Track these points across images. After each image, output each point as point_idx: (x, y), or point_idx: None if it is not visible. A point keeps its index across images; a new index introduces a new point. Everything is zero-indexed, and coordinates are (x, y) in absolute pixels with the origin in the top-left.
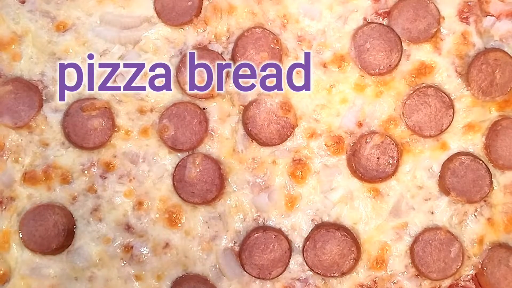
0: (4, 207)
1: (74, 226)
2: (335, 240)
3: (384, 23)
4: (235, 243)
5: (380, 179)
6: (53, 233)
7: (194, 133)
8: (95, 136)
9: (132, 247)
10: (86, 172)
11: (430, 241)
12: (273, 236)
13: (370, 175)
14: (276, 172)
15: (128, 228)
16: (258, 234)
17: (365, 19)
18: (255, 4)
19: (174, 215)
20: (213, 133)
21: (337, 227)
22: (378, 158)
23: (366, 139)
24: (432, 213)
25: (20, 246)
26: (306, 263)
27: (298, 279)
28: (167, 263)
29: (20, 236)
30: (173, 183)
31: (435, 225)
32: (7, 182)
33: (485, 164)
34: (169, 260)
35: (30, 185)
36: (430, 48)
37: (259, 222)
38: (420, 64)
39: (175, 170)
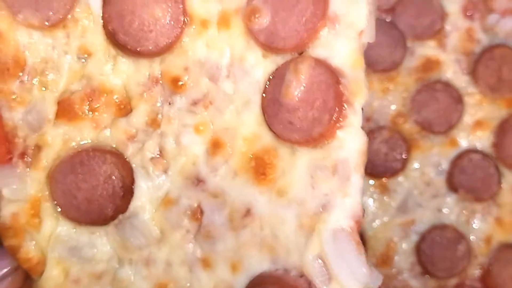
0: (29, 164)
1: (133, 181)
2: None
3: (388, 20)
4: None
5: (388, 175)
6: (106, 192)
7: (303, 19)
8: (157, 32)
9: (202, 213)
10: (146, 94)
11: (437, 239)
12: None
13: (378, 170)
14: None
15: (198, 182)
16: None
17: None
18: None
19: (264, 165)
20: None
21: None
22: (386, 153)
23: (374, 134)
24: (440, 210)
25: (55, 217)
26: None
27: None
28: (246, 244)
29: (55, 201)
30: (263, 106)
31: (442, 223)
32: (35, 122)
33: (494, 163)
34: (249, 239)
35: (66, 121)
36: (434, 44)
37: None
38: (426, 59)
39: (267, 85)
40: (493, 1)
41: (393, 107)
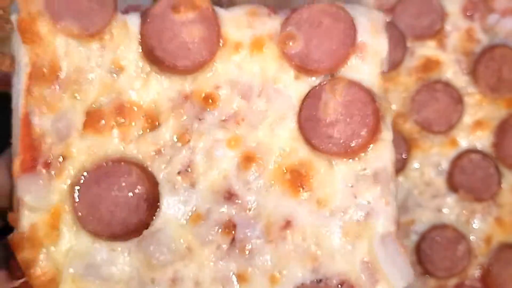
0: (52, 173)
1: (158, 194)
2: None
3: (388, 20)
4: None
5: None
6: (129, 205)
7: (335, 46)
8: (192, 51)
9: (235, 227)
10: (175, 110)
11: (437, 238)
12: None
13: None
14: None
15: (230, 196)
16: None
17: None
18: None
19: (300, 177)
20: (363, 50)
21: None
22: None
23: None
24: (440, 210)
25: (75, 230)
26: None
27: None
28: (287, 255)
29: (77, 212)
30: (299, 122)
31: (442, 222)
32: (64, 130)
33: (494, 163)
34: (290, 250)
35: (93, 133)
36: (434, 45)
37: None
38: (426, 59)
39: (302, 104)
40: (493, 1)
41: (393, 107)
